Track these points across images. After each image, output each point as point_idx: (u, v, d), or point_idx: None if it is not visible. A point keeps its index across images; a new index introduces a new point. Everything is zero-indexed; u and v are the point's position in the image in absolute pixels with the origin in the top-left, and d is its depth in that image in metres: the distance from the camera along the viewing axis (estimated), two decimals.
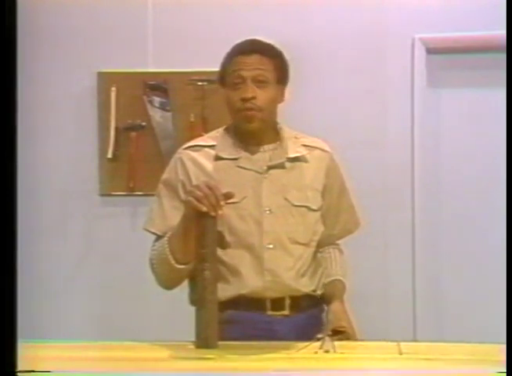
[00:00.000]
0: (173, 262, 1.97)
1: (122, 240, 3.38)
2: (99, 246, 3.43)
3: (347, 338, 1.99)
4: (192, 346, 1.85)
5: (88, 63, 3.36)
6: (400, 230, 3.36)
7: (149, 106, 3.37)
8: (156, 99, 3.36)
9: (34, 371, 1.54)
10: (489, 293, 3.18)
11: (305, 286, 2.09)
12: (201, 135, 2.32)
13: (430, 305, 3.38)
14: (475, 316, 3.28)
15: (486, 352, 1.76)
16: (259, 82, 2.03)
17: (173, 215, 2.03)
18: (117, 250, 3.39)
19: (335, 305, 2.10)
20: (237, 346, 1.85)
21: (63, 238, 3.43)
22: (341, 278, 2.20)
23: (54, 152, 3.42)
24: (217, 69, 2.12)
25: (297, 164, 2.12)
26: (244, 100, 2.02)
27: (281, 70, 2.09)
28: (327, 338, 1.85)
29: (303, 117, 2.80)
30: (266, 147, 2.11)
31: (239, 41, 2.10)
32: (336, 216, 2.21)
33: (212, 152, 2.10)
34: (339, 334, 1.95)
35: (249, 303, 2.04)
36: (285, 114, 2.18)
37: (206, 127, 3.20)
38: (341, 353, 1.79)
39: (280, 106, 2.12)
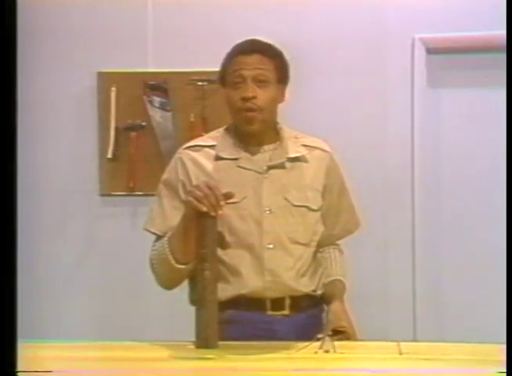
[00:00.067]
0: (173, 261, 1.97)
1: (122, 240, 3.38)
2: (99, 246, 3.43)
3: (348, 338, 1.99)
4: (192, 346, 1.85)
5: (88, 63, 3.36)
6: (400, 230, 3.36)
7: (149, 106, 3.36)
8: (156, 99, 3.36)
9: (34, 371, 1.54)
10: (489, 293, 3.18)
11: (305, 286, 2.09)
12: (201, 135, 2.32)
13: (430, 305, 3.38)
14: (475, 316, 3.27)
15: (486, 352, 1.76)
16: (259, 82, 2.03)
17: (173, 215, 2.03)
18: (117, 250, 3.39)
19: (335, 305, 2.10)
20: (237, 346, 1.85)
21: (63, 238, 3.43)
22: (341, 278, 2.20)
23: (54, 152, 3.42)
24: (217, 69, 2.12)
25: (297, 164, 2.12)
26: (245, 100, 2.02)
27: (281, 70, 2.09)
28: (327, 338, 1.85)
29: (303, 117, 2.81)
30: (266, 147, 2.11)
31: (239, 41, 2.10)
32: (336, 216, 2.21)
33: (212, 152, 2.10)
34: (339, 334, 1.95)
35: (249, 303, 2.04)
36: (285, 114, 2.18)
37: (206, 127, 3.20)
38: (341, 353, 1.79)
39: (280, 106, 2.12)
